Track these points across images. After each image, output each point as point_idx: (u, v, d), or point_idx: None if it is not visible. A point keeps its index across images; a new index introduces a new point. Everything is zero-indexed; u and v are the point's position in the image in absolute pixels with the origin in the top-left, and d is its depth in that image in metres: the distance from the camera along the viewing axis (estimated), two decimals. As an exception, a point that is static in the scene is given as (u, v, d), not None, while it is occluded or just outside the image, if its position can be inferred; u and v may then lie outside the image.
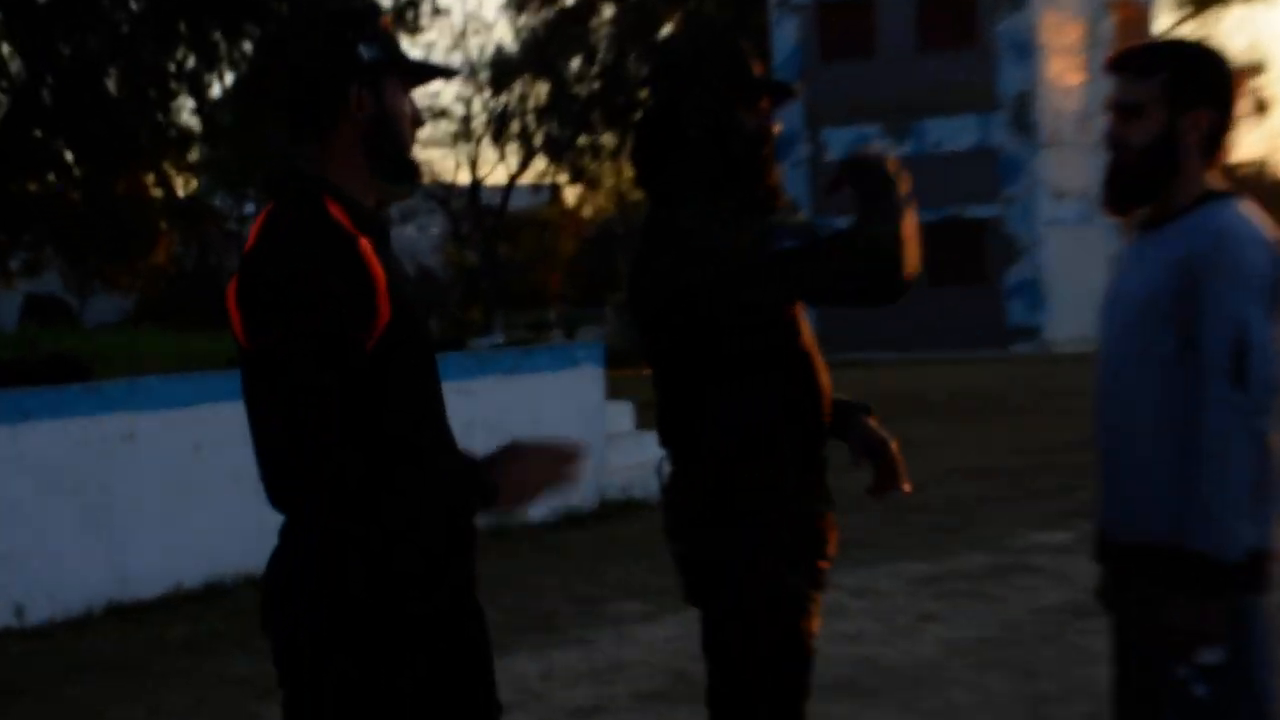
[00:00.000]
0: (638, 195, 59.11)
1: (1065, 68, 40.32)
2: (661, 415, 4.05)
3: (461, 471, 3.19)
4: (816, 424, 4.04)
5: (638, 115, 4.31)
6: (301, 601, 3.13)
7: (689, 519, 3.97)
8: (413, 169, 3.36)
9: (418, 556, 3.17)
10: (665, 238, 3.92)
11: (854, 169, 3.95)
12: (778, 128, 4.09)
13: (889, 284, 3.83)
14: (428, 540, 3.20)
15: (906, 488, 4.14)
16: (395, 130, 3.30)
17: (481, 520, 9.88)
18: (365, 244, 3.15)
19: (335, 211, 3.18)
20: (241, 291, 3.11)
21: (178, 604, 9.26)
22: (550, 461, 3.31)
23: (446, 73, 3.48)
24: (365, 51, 3.26)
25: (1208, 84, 3.90)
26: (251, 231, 3.20)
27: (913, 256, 3.84)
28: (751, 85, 4.01)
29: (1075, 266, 38.80)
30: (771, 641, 3.90)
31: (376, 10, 3.36)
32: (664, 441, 4.05)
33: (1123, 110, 3.91)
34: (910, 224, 3.85)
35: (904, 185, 3.89)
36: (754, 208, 3.98)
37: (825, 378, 4.10)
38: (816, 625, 3.99)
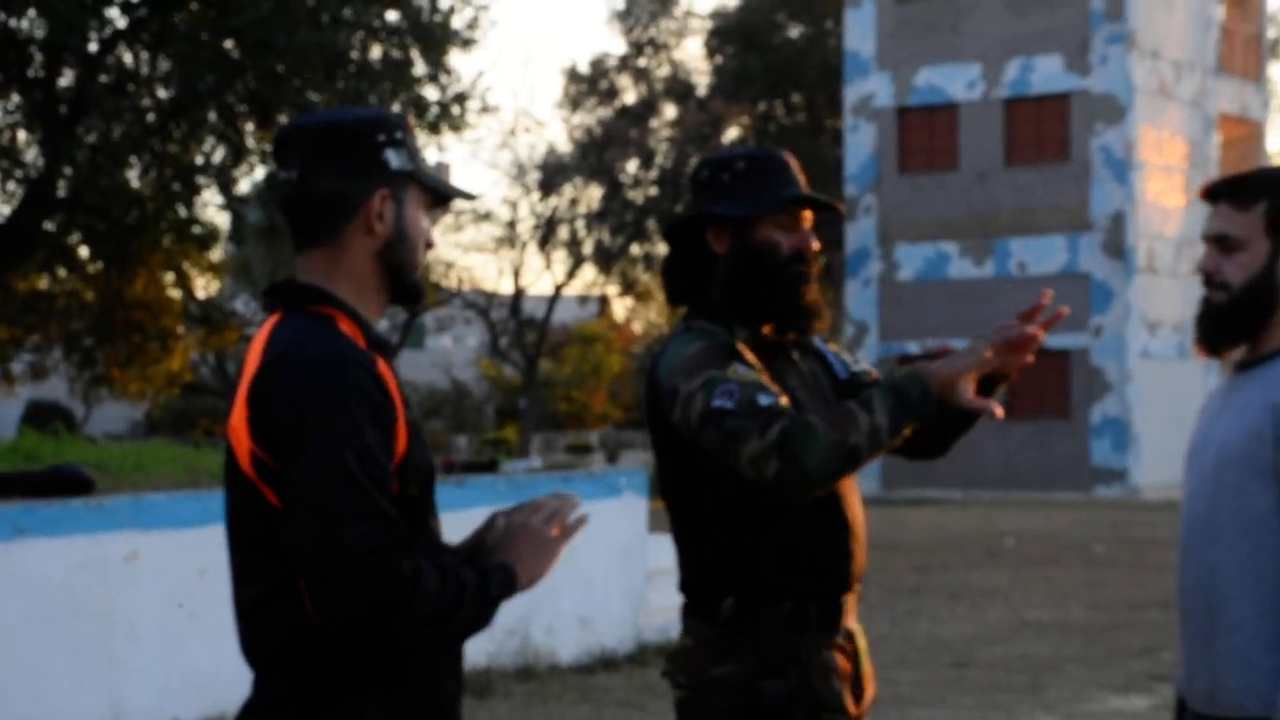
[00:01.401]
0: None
1: (1165, 188, 40.39)
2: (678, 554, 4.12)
3: (484, 577, 3.09)
4: (825, 561, 3.96)
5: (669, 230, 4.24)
6: None
7: (681, 663, 4.00)
8: (419, 291, 3.33)
9: (399, 702, 3.12)
10: (653, 366, 3.98)
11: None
12: (817, 245, 4.07)
13: (780, 491, 3.70)
14: (415, 692, 3.15)
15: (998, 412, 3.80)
16: (410, 247, 3.26)
17: (508, 660, 9.85)
18: (383, 366, 3.11)
19: (346, 327, 3.14)
20: (256, 415, 3.04)
21: (177, 742, 9.24)
22: (548, 516, 3.26)
23: (469, 195, 3.41)
24: (394, 159, 3.24)
25: (1314, 216, 3.90)
26: (254, 346, 3.16)
27: (826, 485, 3.73)
28: (786, 197, 4.00)
29: (1167, 405, 38.68)
30: None
31: (403, 118, 3.34)
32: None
33: (1220, 242, 3.90)
34: (881, 445, 3.71)
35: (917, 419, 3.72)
36: (783, 327, 3.99)
37: (854, 507, 4.04)
38: None
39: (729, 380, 3.77)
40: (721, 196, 4.01)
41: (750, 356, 3.90)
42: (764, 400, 3.72)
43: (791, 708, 3.85)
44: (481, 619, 3.10)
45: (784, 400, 3.77)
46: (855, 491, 4.05)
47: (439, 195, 3.33)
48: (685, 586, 4.04)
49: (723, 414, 3.72)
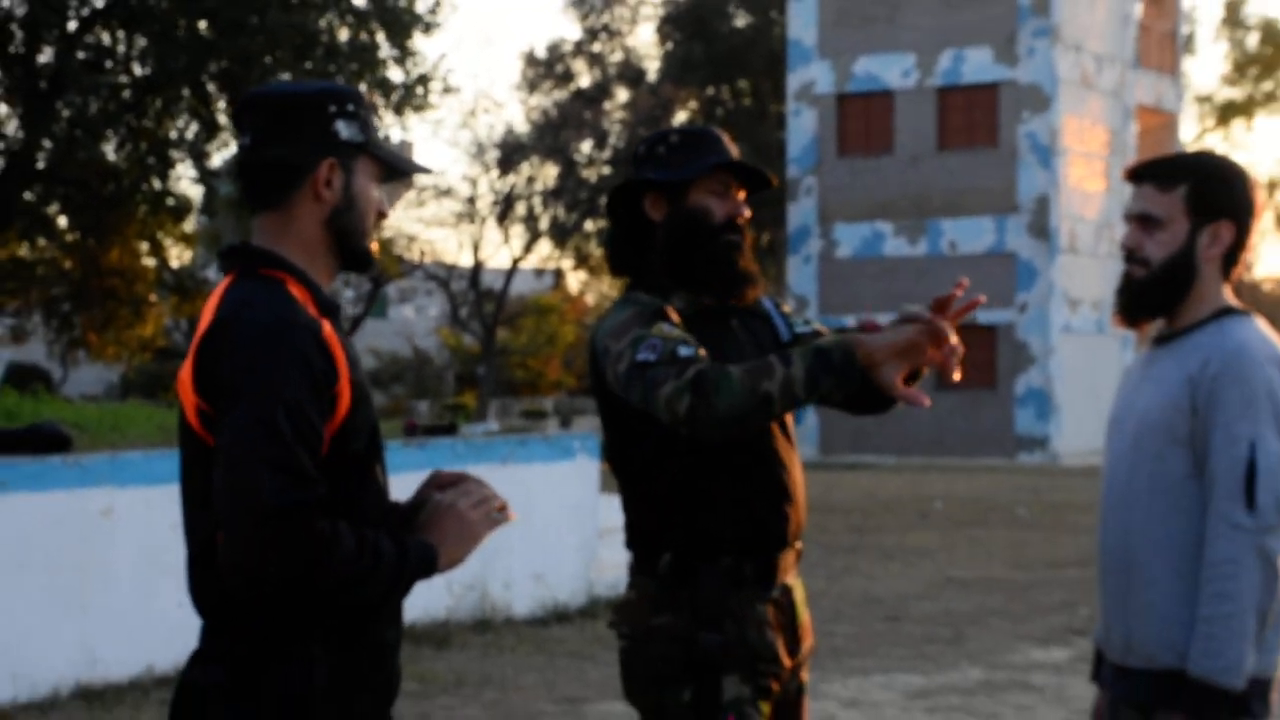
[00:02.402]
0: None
1: (1086, 174, 40.59)
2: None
3: (402, 551, 3.07)
4: (762, 520, 3.96)
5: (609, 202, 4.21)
6: (222, 706, 3.08)
7: (622, 616, 4.03)
8: (369, 259, 3.31)
9: (344, 662, 3.12)
10: (593, 333, 4.01)
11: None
12: (748, 211, 4.07)
13: (692, 424, 3.67)
14: (358, 643, 3.14)
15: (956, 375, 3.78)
16: (359, 215, 3.25)
17: (466, 613, 9.85)
18: (328, 328, 3.10)
19: (295, 290, 3.13)
20: (201, 369, 3.05)
21: (148, 688, 9.21)
22: (476, 503, 3.24)
23: (422, 169, 3.39)
24: (344, 129, 3.22)
25: (1229, 198, 3.92)
26: (206, 307, 3.15)
27: (726, 424, 3.68)
28: (714, 163, 4.01)
29: (1086, 377, 38.95)
30: None
31: (357, 91, 3.31)
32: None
33: (1142, 221, 3.93)
34: (794, 400, 3.66)
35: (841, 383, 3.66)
36: (719, 293, 4.01)
37: (793, 469, 4.05)
38: None
39: (652, 336, 3.78)
40: (656, 166, 4.04)
41: (676, 318, 3.90)
42: (684, 351, 3.73)
43: (725, 658, 3.86)
44: (395, 591, 3.10)
45: (702, 353, 3.76)
46: (794, 455, 4.07)
47: (392, 168, 3.32)
48: (629, 542, 4.05)
49: (645, 365, 3.74)
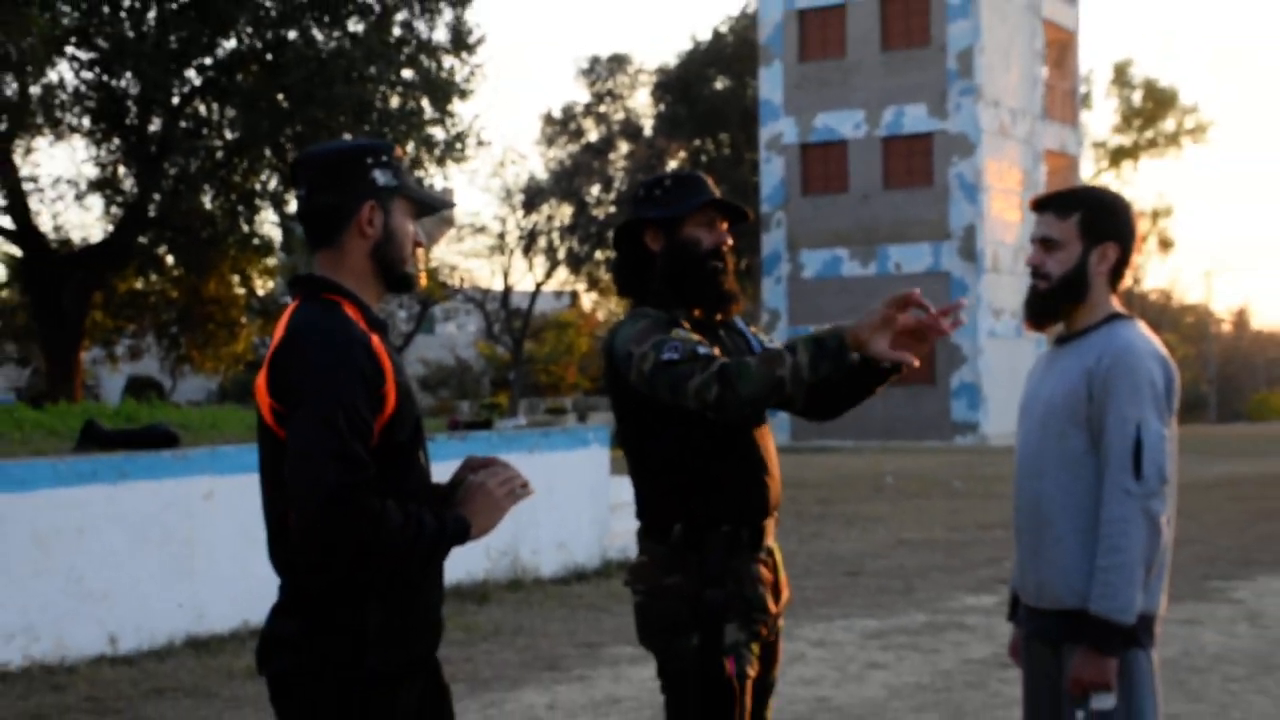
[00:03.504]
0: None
1: (1005, 207, 40.56)
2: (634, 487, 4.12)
3: (441, 522, 3.10)
4: (750, 493, 3.97)
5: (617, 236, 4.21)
6: (295, 655, 3.09)
7: (637, 575, 4.01)
8: (410, 281, 3.29)
9: (394, 614, 3.11)
10: (608, 341, 3.99)
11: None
12: (730, 241, 4.07)
13: (720, 409, 3.70)
14: (406, 599, 3.14)
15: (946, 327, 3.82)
16: (398, 247, 3.24)
17: (502, 575, 9.82)
18: (377, 340, 3.11)
19: (350, 311, 3.14)
20: (273, 376, 3.06)
21: (245, 638, 9.23)
22: (502, 482, 3.24)
23: (448, 204, 3.43)
24: (379, 176, 3.22)
25: (1115, 223, 3.94)
26: (278, 326, 3.16)
27: (748, 406, 3.71)
28: (702, 202, 4.02)
29: (1009, 373, 38.95)
30: (692, 682, 3.89)
31: (391, 145, 3.31)
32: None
33: (1044, 243, 3.95)
34: (779, 389, 3.66)
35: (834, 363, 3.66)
36: (709, 309, 4.02)
37: (770, 452, 4.06)
38: (753, 667, 3.93)
39: (672, 339, 3.79)
40: (654, 206, 4.04)
41: (687, 326, 3.94)
42: (702, 350, 3.76)
43: (727, 610, 3.89)
44: (435, 555, 3.12)
45: (717, 351, 3.81)
46: (771, 439, 4.09)
47: (424, 205, 3.32)
48: (641, 515, 4.04)
49: (671, 364, 3.74)
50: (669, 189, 4.05)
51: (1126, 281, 4.00)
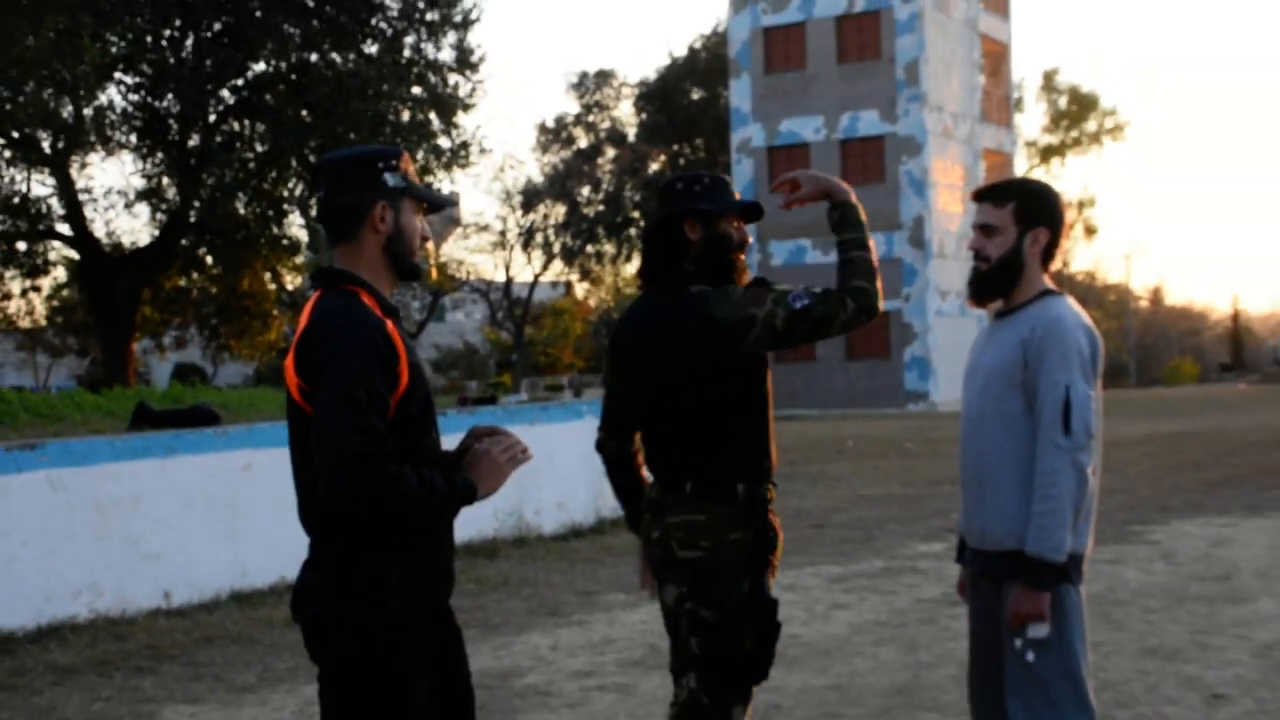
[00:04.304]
0: (632, 290, 59.28)
1: (949, 200, 40.60)
2: (661, 454, 4.00)
3: (450, 484, 3.12)
4: (772, 458, 4.01)
5: (642, 228, 4.24)
6: (322, 603, 3.11)
7: (697, 533, 3.89)
8: (418, 272, 3.28)
9: (411, 567, 3.12)
10: (700, 315, 3.89)
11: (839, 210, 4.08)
12: (750, 239, 4.12)
13: (868, 317, 3.91)
14: (422, 552, 3.15)
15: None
16: (406, 241, 3.24)
17: (508, 533, 9.77)
18: (391, 325, 3.12)
19: (366, 299, 3.14)
20: (300, 358, 3.07)
21: (282, 592, 9.25)
22: (504, 449, 3.24)
23: (450, 202, 3.42)
24: (389, 178, 3.22)
25: (1045, 210, 3.96)
26: (303, 315, 3.16)
27: (879, 294, 3.95)
28: (734, 206, 4.04)
29: (954, 347, 39.03)
30: (748, 620, 3.89)
31: (399, 151, 3.31)
32: (664, 473, 3.98)
33: (984, 229, 3.97)
34: (877, 268, 3.97)
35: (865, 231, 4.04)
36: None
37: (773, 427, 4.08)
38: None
39: (788, 292, 3.89)
40: (696, 199, 4.01)
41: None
42: (817, 289, 3.91)
43: (767, 558, 3.93)
44: (446, 513, 3.15)
45: (817, 289, 3.94)
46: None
47: (429, 203, 3.32)
48: (697, 475, 3.91)
49: (806, 310, 3.85)
50: (707, 186, 4.05)
51: (1056, 264, 4.03)
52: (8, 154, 33.46)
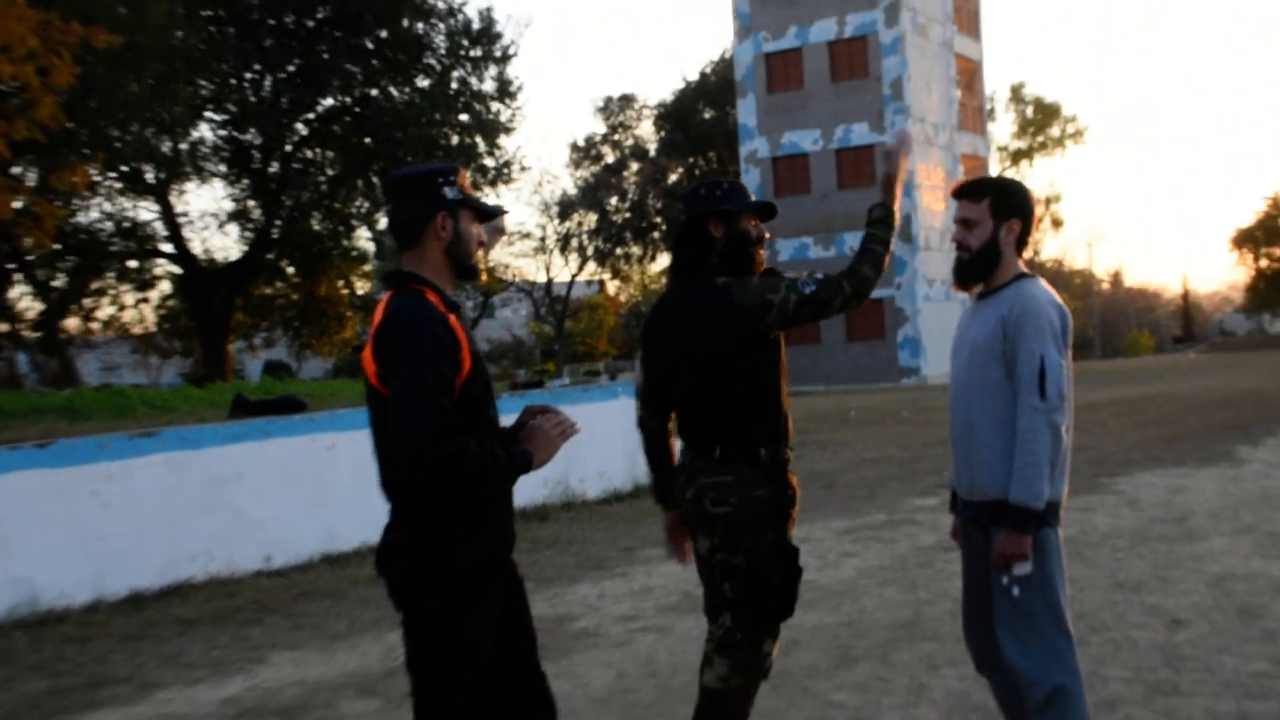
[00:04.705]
0: (657, 286, 59.20)
1: (933, 199, 40.36)
2: (692, 423, 3.99)
3: (510, 456, 3.13)
4: (789, 424, 4.01)
5: (671, 228, 4.24)
6: (403, 559, 3.12)
7: (726, 491, 3.89)
8: (475, 272, 3.28)
9: (479, 527, 3.13)
10: (722, 302, 3.90)
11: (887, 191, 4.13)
12: (767, 235, 4.12)
13: (858, 302, 3.96)
14: (487, 514, 3.14)
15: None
16: (465, 245, 3.24)
17: (557, 499, 9.77)
18: (454, 319, 3.13)
19: (431, 297, 3.15)
20: (376, 349, 3.08)
21: (366, 554, 9.30)
22: (556, 424, 3.26)
23: (501, 211, 3.36)
24: (448, 192, 3.22)
25: (1017, 204, 3.95)
26: (377, 311, 3.16)
27: (875, 283, 4.00)
28: (751, 205, 4.05)
29: (940, 328, 38.89)
30: (774, 567, 3.89)
31: (457, 168, 3.30)
32: (695, 439, 3.98)
33: (964, 223, 3.96)
34: (884, 264, 4.03)
35: (896, 221, 4.12)
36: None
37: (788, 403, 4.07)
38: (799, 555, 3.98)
39: (798, 279, 3.93)
40: (718, 201, 4.02)
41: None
42: (819, 275, 3.97)
43: (786, 509, 3.93)
44: (506, 481, 3.14)
45: (820, 275, 3.99)
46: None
47: (483, 213, 3.32)
48: (725, 441, 3.91)
49: (813, 295, 3.91)
50: (727, 190, 4.04)
51: (1028, 251, 4.02)
52: (118, 185, 33.71)
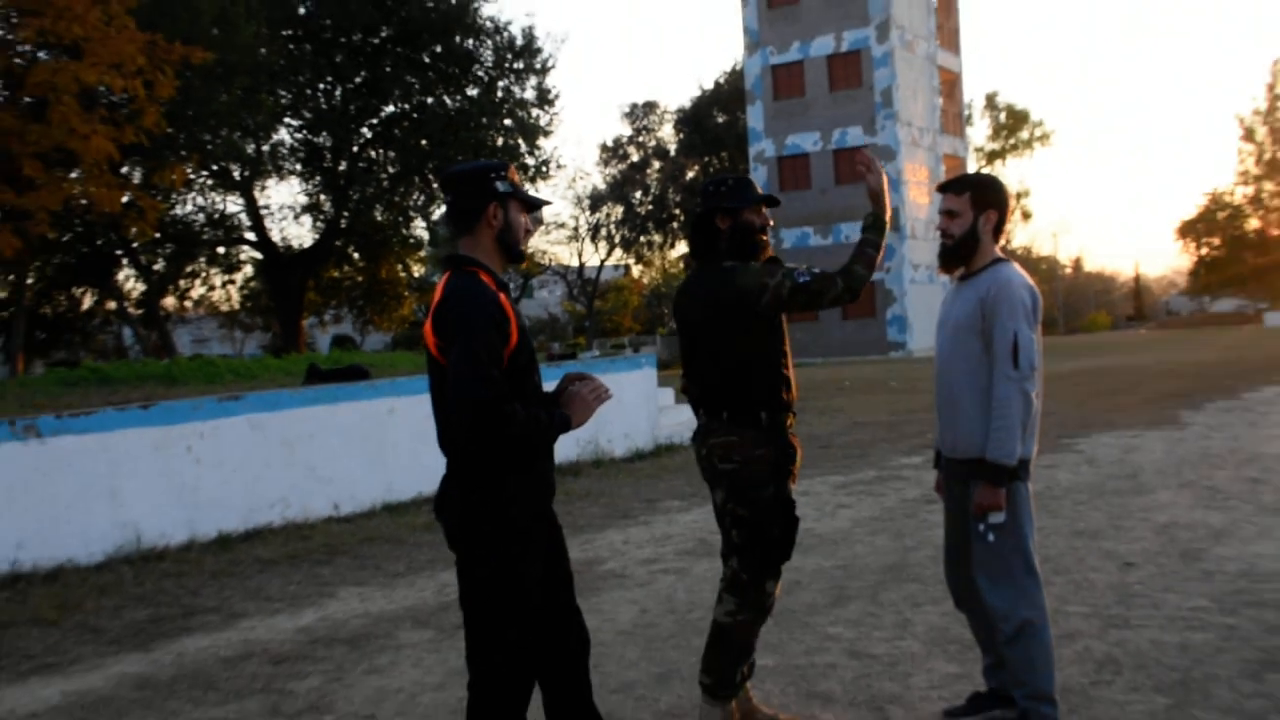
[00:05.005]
0: (676, 271, 59.04)
1: (919, 194, 40.09)
2: (703, 390, 3.95)
3: (550, 418, 3.12)
4: (791, 392, 3.95)
5: (688, 220, 4.15)
6: (458, 506, 3.11)
7: (730, 450, 3.87)
8: (522, 256, 3.24)
9: (524, 479, 3.11)
10: (726, 283, 3.87)
11: (877, 203, 3.99)
12: (771, 222, 4.07)
13: (851, 297, 3.85)
14: (531, 469, 3.12)
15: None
16: (514, 233, 3.22)
17: (588, 456, 9.76)
18: (503, 297, 3.11)
19: (484, 278, 3.12)
20: (436, 323, 3.06)
21: (421, 504, 9.36)
22: (591, 390, 3.24)
23: (545, 203, 3.30)
24: (500, 185, 3.19)
25: (995, 197, 3.91)
26: (437, 290, 3.15)
27: (867, 281, 3.90)
28: (756, 198, 3.99)
29: (925, 308, 38.68)
30: (775, 517, 3.86)
31: (507, 164, 3.27)
32: (707, 405, 3.94)
33: (948, 214, 3.93)
34: (876, 264, 3.94)
35: (889, 223, 4.00)
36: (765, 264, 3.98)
37: (792, 369, 4.04)
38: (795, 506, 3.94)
39: (793, 270, 3.86)
40: (723, 198, 3.98)
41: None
42: (816, 270, 3.86)
43: (787, 469, 3.89)
44: (548, 439, 3.12)
45: (817, 269, 3.90)
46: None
47: (530, 204, 3.29)
48: (731, 406, 3.87)
49: (806, 285, 3.82)
50: (731, 187, 3.98)
51: (1003, 240, 3.99)
52: (210, 182, 33.92)
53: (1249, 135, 65.39)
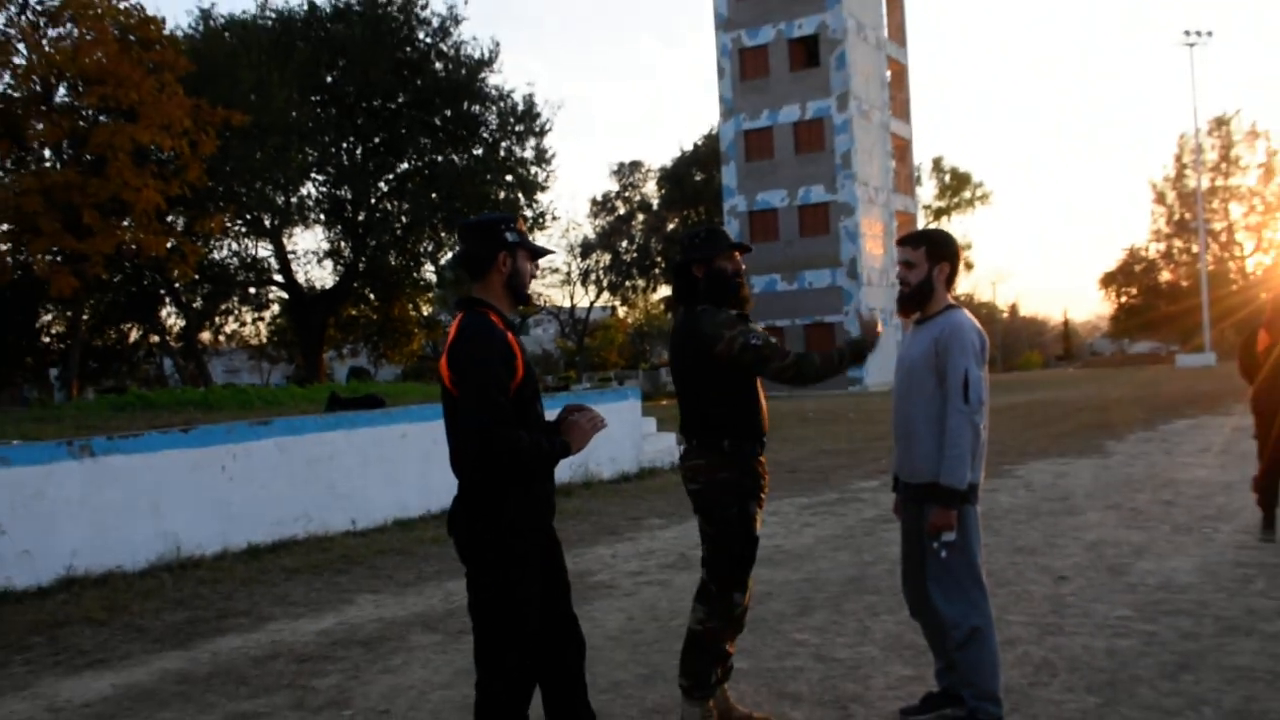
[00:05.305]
0: (658, 312, 59.14)
1: (874, 246, 40.34)
2: (683, 419, 3.97)
3: (552, 444, 3.10)
4: (760, 424, 3.92)
5: (668, 267, 4.11)
6: (467, 524, 3.09)
7: (697, 473, 3.88)
8: (529, 299, 3.25)
9: (527, 499, 3.09)
10: (694, 326, 3.87)
11: (866, 332, 3.89)
12: (744, 266, 4.03)
13: (793, 381, 3.81)
14: (533, 489, 3.10)
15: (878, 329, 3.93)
16: (522, 278, 3.21)
17: (579, 479, 9.69)
18: (511, 336, 3.10)
19: (494, 319, 3.11)
20: (450, 359, 3.05)
21: (429, 520, 9.29)
22: (589, 419, 3.22)
23: (549, 252, 3.30)
24: (509, 235, 3.18)
25: (947, 251, 3.94)
26: (451, 329, 3.14)
27: (810, 381, 3.82)
28: (728, 245, 3.96)
29: (881, 349, 38.54)
30: (736, 535, 3.85)
31: (515, 216, 3.26)
32: (684, 432, 3.96)
33: (905, 265, 3.95)
34: (830, 374, 3.82)
35: (863, 357, 3.85)
36: (739, 311, 3.95)
37: (764, 400, 4.03)
38: (759, 525, 3.91)
39: (752, 331, 3.80)
40: (698, 249, 3.95)
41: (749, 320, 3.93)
42: (773, 340, 3.80)
43: (752, 492, 3.84)
44: (549, 464, 3.11)
45: (774, 339, 3.81)
46: (763, 391, 4.02)
47: (535, 253, 3.28)
48: (697, 435, 3.84)
49: (756, 347, 3.75)
50: (704, 239, 3.95)
51: (954, 287, 4.02)
52: (243, 230, 33.93)
53: (1161, 199, 66.31)
